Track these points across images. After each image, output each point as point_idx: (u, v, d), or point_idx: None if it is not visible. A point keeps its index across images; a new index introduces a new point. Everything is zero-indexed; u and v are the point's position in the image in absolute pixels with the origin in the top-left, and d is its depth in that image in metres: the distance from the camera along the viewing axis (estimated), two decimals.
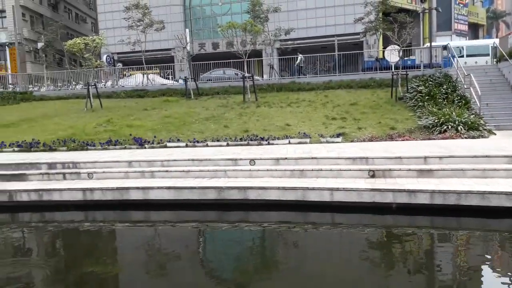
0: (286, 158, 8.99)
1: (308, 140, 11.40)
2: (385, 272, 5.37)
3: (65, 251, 6.95)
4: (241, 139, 11.93)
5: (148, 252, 6.51)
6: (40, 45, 39.22)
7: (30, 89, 26.11)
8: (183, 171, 9.18)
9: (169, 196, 8.34)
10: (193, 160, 9.53)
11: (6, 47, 37.56)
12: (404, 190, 7.20)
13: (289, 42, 29.38)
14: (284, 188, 7.79)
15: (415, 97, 15.26)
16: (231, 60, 23.45)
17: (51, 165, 9.73)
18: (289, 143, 11.37)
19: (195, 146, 11.85)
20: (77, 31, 46.68)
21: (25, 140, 12.73)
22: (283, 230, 7.13)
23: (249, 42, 19.40)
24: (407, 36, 21.58)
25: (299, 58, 24.41)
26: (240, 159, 9.22)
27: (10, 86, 28.84)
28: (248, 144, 11.50)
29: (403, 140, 11.50)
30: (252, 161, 9.06)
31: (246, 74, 18.92)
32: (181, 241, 7.04)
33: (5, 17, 38.75)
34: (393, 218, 7.27)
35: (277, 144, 11.35)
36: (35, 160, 10.02)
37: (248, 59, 19.61)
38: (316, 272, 5.27)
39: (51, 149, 11.99)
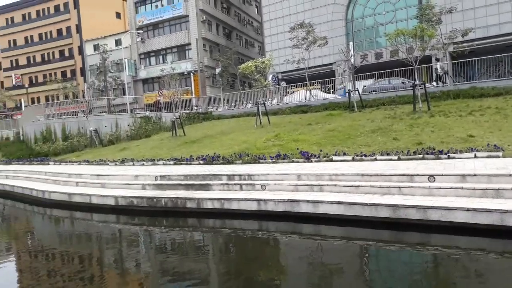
0: (475, 175, 7.77)
1: (500, 153, 9.67)
2: None
3: (237, 255, 7.42)
4: (414, 153, 10.93)
5: (312, 265, 6.41)
6: (217, 70, 44.58)
7: (209, 110, 29.71)
8: (352, 186, 8.85)
9: (339, 211, 8.13)
10: (362, 174, 9.12)
11: (191, 74, 43.84)
12: None
13: (466, 44, 26.17)
14: (474, 210, 6.70)
15: None
16: (398, 69, 22.16)
17: (230, 177, 10.65)
18: (475, 156, 9.86)
19: (362, 160, 11.38)
20: (247, 55, 51.43)
21: (208, 154, 14.37)
22: (475, 258, 6.09)
23: (418, 48, 17.95)
24: None
25: (438, 66, 21.84)
26: (417, 175, 8.37)
27: (194, 107, 33.40)
28: (423, 158, 10.44)
29: None
30: (432, 177, 8.12)
31: (417, 82, 17.50)
32: (350, 258, 6.70)
33: (190, 49, 45.38)
34: None
35: (459, 158, 9.97)
36: (217, 172, 11.14)
37: (418, 66, 18.14)
38: None
39: (229, 162, 13.19)
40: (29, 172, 17.79)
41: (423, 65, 23.01)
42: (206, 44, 45.74)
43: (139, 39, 47.11)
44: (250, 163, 12.69)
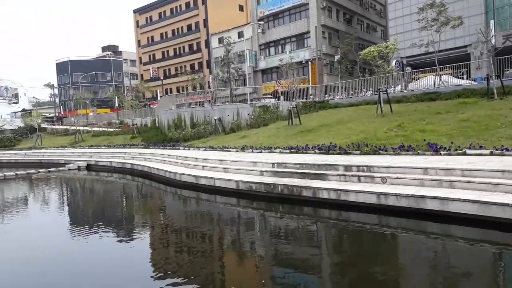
0: None
1: None
2: None
3: (352, 247, 7.12)
4: None
5: (436, 267, 5.80)
6: (336, 58, 43.60)
7: (326, 98, 29.24)
8: (490, 183, 7.79)
9: (472, 211, 7.24)
10: (503, 171, 7.96)
11: (309, 63, 43.68)
12: None
13: None
14: None
15: None
16: None
17: (347, 168, 10.32)
18: None
19: (503, 155, 9.93)
20: (368, 40, 49.11)
21: (324, 144, 14.17)
22: None
23: None
24: None
25: None
26: None
27: (311, 96, 33.26)
28: None
29: None
30: None
31: None
32: (483, 263, 5.91)
33: (309, 37, 45.14)
34: None
35: None
36: (333, 162, 10.91)
37: None
38: None
39: (346, 153, 12.80)
40: (163, 156, 19.87)
41: None
42: (325, 31, 44.98)
43: (259, 30, 48.60)
44: (369, 154, 12.12)
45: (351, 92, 29.43)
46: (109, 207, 13.83)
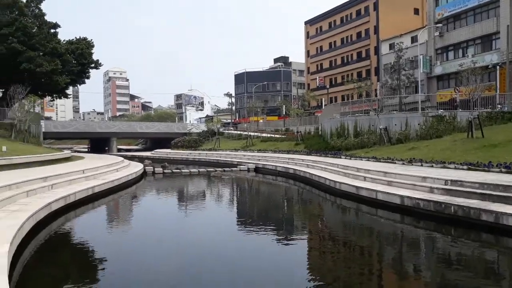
0: None
1: None
2: None
3: None
4: None
5: None
6: None
7: None
8: None
9: None
10: None
11: (497, 67, 37.80)
12: None
13: None
14: None
15: None
16: None
17: None
18: None
19: None
20: None
21: None
22: None
23: None
24: None
25: None
26: None
27: (498, 106, 28.67)
28: None
29: None
30: None
31: None
32: None
33: (498, 38, 39.14)
34: None
35: None
36: None
37: None
38: None
39: None
40: (324, 163, 20.01)
41: None
42: None
43: (436, 33, 44.57)
44: None
45: None
46: (272, 207, 14.63)
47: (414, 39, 48.38)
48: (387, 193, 11.73)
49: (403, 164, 16.23)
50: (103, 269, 6.95)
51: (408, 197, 10.83)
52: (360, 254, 7.98)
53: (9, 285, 4.41)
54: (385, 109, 30.80)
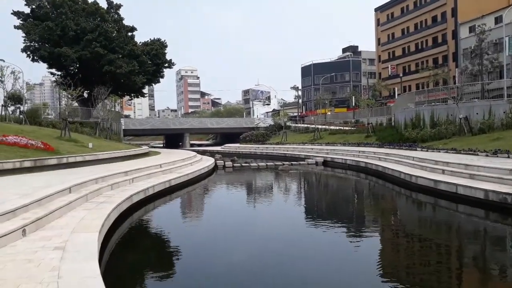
0: None
1: None
2: None
3: None
4: None
5: None
6: None
7: None
8: None
9: None
10: None
11: None
12: None
13: None
14: None
15: None
16: None
17: None
18: None
19: None
20: None
21: None
22: None
23: None
24: None
25: None
26: None
27: None
28: None
29: None
30: None
31: None
32: None
33: None
34: None
35: None
36: None
37: None
38: None
39: None
40: (398, 156, 19.10)
41: None
42: None
43: None
44: None
45: None
46: (343, 202, 14.33)
47: (498, 20, 44.15)
48: (469, 187, 10.90)
49: (487, 156, 14.99)
50: (178, 258, 7.32)
51: (493, 191, 9.97)
52: (437, 252, 7.53)
53: (100, 269, 4.82)
54: (465, 97, 28.48)
